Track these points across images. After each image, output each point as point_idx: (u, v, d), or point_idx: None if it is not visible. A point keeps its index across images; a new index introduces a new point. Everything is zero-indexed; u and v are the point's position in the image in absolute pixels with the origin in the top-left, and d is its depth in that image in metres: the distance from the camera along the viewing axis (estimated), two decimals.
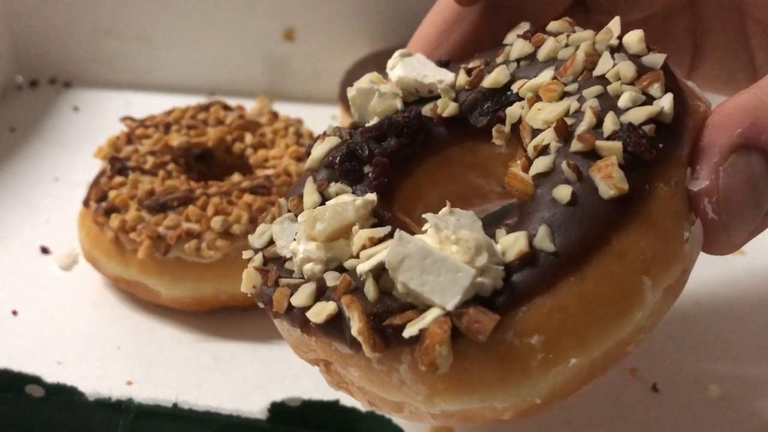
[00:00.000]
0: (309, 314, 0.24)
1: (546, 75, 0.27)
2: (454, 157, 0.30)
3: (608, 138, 0.24)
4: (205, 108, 0.49)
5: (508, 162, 0.27)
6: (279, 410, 0.37)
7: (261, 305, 0.27)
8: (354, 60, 0.58)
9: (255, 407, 0.37)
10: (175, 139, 0.46)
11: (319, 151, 0.30)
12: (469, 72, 0.30)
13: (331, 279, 0.25)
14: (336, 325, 0.24)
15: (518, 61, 0.29)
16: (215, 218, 0.40)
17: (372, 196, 0.27)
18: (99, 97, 0.63)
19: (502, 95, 0.28)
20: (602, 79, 0.26)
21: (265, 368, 0.39)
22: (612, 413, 0.36)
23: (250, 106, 0.50)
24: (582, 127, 0.24)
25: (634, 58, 0.26)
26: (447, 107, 0.29)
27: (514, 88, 0.28)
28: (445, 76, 0.30)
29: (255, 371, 0.39)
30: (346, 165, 0.28)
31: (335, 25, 0.61)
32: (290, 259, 0.26)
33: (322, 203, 0.27)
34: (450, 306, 0.22)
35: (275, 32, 0.62)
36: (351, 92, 0.30)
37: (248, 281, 0.27)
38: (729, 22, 0.35)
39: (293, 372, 0.39)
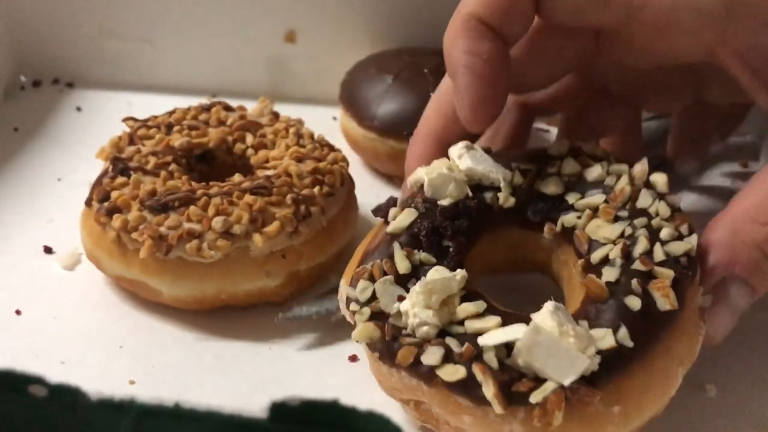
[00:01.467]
0: (440, 373, 0.31)
1: (598, 197, 0.37)
2: (503, 237, 0.38)
3: (659, 263, 0.34)
4: (206, 109, 0.49)
5: (548, 249, 0.38)
6: (279, 409, 0.37)
7: (377, 355, 0.33)
8: (355, 61, 0.59)
9: (256, 406, 0.37)
10: (177, 140, 0.46)
11: (401, 221, 0.37)
12: (523, 173, 0.38)
13: (455, 345, 0.32)
14: (464, 385, 0.31)
15: (569, 176, 0.38)
16: (216, 218, 0.40)
17: (464, 272, 0.34)
18: (101, 98, 0.64)
19: (557, 201, 0.38)
20: (645, 212, 0.36)
21: (266, 368, 0.39)
22: None
23: (252, 106, 0.51)
24: (638, 250, 0.34)
25: (662, 196, 0.36)
26: (508, 201, 0.38)
27: (569, 199, 0.37)
28: (505, 173, 0.38)
29: (256, 371, 0.39)
30: (432, 239, 0.36)
31: (336, 27, 0.62)
32: (395, 315, 0.33)
33: (412, 269, 0.35)
34: (567, 382, 0.30)
35: (277, 34, 0.63)
36: (431, 174, 0.37)
37: (366, 333, 0.33)
38: (720, 71, 0.36)
39: (293, 372, 0.39)
